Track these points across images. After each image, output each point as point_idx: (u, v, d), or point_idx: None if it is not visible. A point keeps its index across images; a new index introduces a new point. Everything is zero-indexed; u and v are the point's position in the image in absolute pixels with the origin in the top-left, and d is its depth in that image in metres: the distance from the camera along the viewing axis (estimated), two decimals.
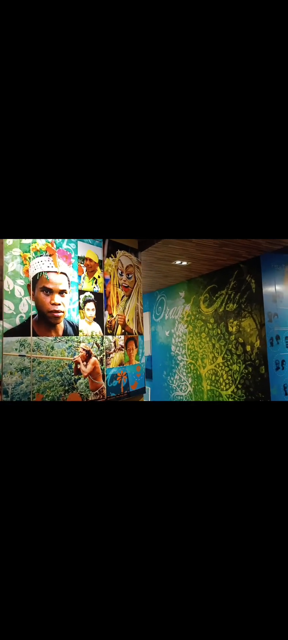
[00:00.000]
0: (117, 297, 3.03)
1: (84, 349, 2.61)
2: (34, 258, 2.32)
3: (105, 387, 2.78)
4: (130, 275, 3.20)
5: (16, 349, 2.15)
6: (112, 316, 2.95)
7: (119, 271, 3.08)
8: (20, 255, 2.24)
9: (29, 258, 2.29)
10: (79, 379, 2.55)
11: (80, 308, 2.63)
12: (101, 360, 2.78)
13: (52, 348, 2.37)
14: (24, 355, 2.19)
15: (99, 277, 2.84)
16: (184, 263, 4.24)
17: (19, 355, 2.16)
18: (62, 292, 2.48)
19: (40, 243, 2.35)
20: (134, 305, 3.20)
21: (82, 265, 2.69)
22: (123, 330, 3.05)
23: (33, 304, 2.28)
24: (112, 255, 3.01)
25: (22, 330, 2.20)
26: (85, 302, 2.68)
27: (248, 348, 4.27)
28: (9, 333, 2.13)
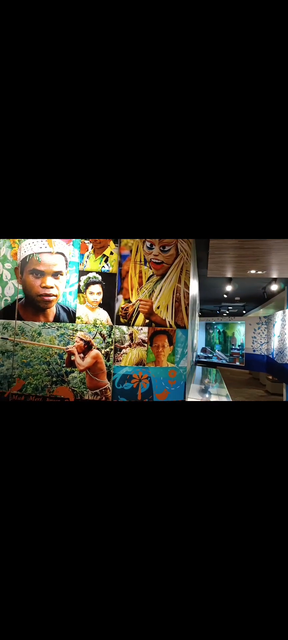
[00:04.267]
0: (140, 277, 2.36)
1: (81, 339, 2.27)
2: (25, 240, 2.27)
3: (110, 387, 2.28)
4: (166, 248, 2.39)
5: None
6: (130, 302, 2.34)
7: (148, 244, 2.38)
8: (9, 240, 2.27)
9: (19, 241, 2.27)
10: (72, 372, 2.25)
11: (79, 291, 2.29)
12: (107, 355, 2.29)
13: (39, 334, 2.24)
14: (7, 339, 2.22)
15: (111, 254, 2.34)
16: None
17: (1, 338, 2.22)
18: (56, 274, 2.27)
19: None
20: (171, 287, 2.37)
21: (86, 242, 2.32)
22: (147, 321, 2.35)
23: (20, 287, 2.25)
24: None
25: (7, 313, 2.23)
26: (87, 285, 2.30)
27: None
28: None
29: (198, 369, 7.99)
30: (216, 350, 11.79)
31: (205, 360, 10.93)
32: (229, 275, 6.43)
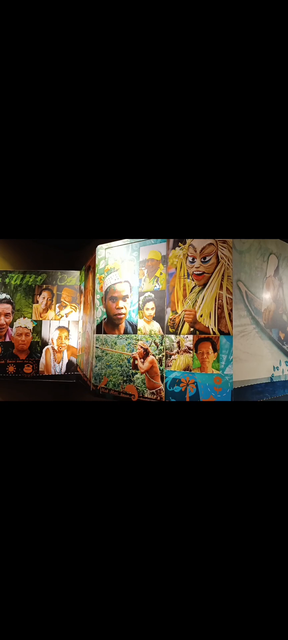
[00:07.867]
0: (185, 289, 2.60)
1: (141, 347, 2.82)
2: (106, 276, 3.13)
3: (163, 389, 2.67)
4: (207, 259, 2.48)
5: (95, 343, 3.18)
6: (176, 313, 2.63)
7: (190, 258, 2.59)
8: (98, 277, 3.20)
9: (103, 277, 3.16)
10: (136, 373, 2.84)
11: (139, 309, 2.86)
12: (160, 361, 2.70)
13: (115, 343, 3.00)
14: (98, 347, 3.14)
15: (160, 274, 2.74)
16: None
17: (96, 347, 3.17)
18: (124, 298, 2.97)
19: (111, 263, 3.09)
20: (213, 294, 2.44)
21: (143, 268, 2.87)
22: (191, 329, 2.54)
23: (104, 310, 3.12)
24: (180, 243, 2.64)
25: (98, 329, 3.17)
26: (144, 303, 2.83)
27: None
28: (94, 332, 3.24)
29: None
30: None
31: None
32: None
